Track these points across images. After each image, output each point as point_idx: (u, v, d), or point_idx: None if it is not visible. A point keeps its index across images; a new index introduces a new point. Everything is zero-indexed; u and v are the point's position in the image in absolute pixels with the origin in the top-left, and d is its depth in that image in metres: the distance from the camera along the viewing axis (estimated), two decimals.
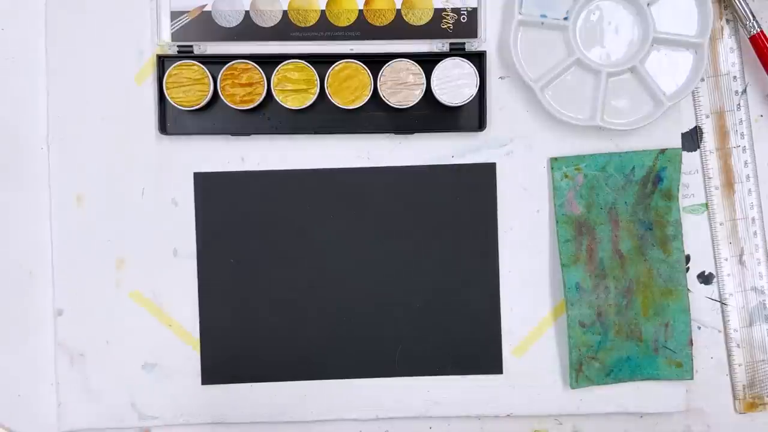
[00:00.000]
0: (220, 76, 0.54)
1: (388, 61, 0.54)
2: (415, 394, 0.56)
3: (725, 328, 0.57)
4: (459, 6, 0.55)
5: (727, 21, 0.57)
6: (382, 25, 0.55)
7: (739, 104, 0.57)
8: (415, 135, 0.56)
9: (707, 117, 0.57)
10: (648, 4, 0.54)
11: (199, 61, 0.54)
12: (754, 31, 0.55)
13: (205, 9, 0.55)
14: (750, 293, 0.57)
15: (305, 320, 0.56)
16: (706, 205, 0.57)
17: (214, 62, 0.55)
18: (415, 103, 0.54)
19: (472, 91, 0.54)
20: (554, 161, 0.56)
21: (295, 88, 0.54)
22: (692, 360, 0.56)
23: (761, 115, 0.58)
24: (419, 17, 0.55)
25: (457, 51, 0.55)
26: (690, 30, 0.55)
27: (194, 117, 0.56)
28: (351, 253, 0.56)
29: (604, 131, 0.56)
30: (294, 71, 0.54)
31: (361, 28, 0.55)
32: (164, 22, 0.55)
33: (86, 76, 0.56)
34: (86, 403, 0.56)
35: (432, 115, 0.56)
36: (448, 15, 0.55)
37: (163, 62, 0.55)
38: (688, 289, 0.56)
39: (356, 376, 0.56)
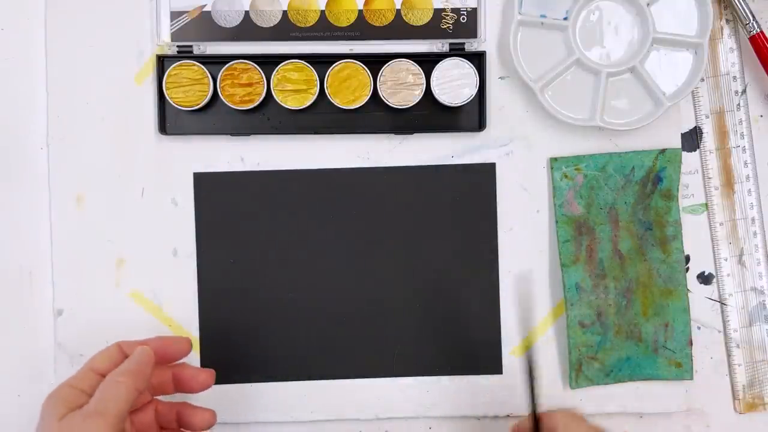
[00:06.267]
0: (219, 76, 0.54)
1: (387, 61, 0.54)
2: (415, 394, 0.56)
3: (725, 328, 0.57)
4: (459, 6, 0.55)
5: (727, 21, 0.57)
6: (381, 25, 0.55)
7: (738, 104, 0.57)
8: (415, 135, 0.56)
9: (707, 117, 0.57)
10: (648, 4, 0.54)
11: (198, 61, 0.54)
12: (754, 32, 0.55)
13: (205, 9, 0.55)
14: (750, 293, 0.57)
15: (305, 320, 0.56)
16: (706, 205, 0.57)
17: (214, 62, 0.55)
18: (414, 103, 0.54)
19: (471, 91, 0.54)
20: (554, 161, 0.56)
21: (294, 89, 0.54)
22: (692, 360, 0.56)
23: (761, 115, 0.58)
24: (419, 17, 0.55)
25: (456, 51, 0.55)
26: (690, 30, 0.55)
27: (194, 117, 0.56)
28: (351, 253, 0.56)
29: (603, 131, 0.56)
30: (294, 71, 0.54)
31: (361, 28, 0.55)
32: (164, 22, 0.55)
33: (86, 76, 0.56)
34: None
35: (432, 115, 0.56)
36: (447, 15, 0.55)
37: (162, 62, 0.55)
38: (688, 289, 0.56)
39: (356, 376, 0.56)
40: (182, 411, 0.48)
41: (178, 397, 0.50)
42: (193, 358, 0.56)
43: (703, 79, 0.57)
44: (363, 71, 0.54)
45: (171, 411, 0.49)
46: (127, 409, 0.42)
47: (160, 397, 0.49)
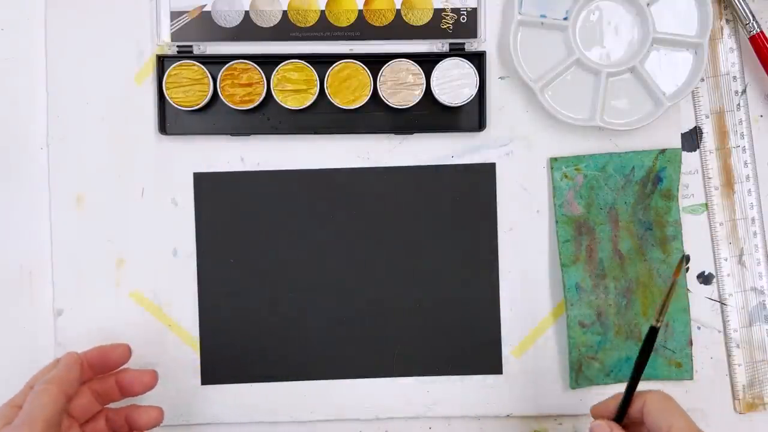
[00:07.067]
0: (219, 76, 0.54)
1: (387, 61, 0.54)
2: (415, 394, 0.56)
3: (725, 328, 0.57)
4: (459, 6, 0.55)
5: (727, 21, 0.57)
6: (381, 25, 0.55)
7: (738, 104, 0.57)
8: (415, 135, 0.56)
9: (707, 117, 0.57)
10: (648, 4, 0.54)
11: (198, 61, 0.54)
12: (754, 32, 0.55)
13: (205, 9, 0.55)
14: (750, 293, 0.57)
15: (305, 320, 0.56)
16: (706, 205, 0.57)
17: (214, 62, 0.55)
18: (414, 103, 0.54)
19: (471, 91, 0.54)
20: (554, 161, 0.56)
21: (294, 89, 0.54)
22: (692, 360, 0.56)
23: (761, 115, 0.58)
24: (419, 17, 0.55)
25: (456, 51, 0.55)
26: (690, 30, 0.55)
27: (194, 117, 0.56)
28: (351, 253, 0.56)
29: (603, 131, 0.56)
30: (294, 71, 0.54)
31: (361, 28, 0.55)
32: (164, 22, 0.55)
33: (86, 76, 0.56)
34: None
35: (432, 115, 0.56)
36: (447, 15, 0.55)
37: (162, 62, 0.55)
38: (688, 289, 0.56)
39: (356, 376, 0.56)
40: (130, 413, 0.50)
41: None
42: (193, 357, 0.56)
43: (703, 79, 0.57)
44: (363, 71, 0.54)
45: (120, 416, 0.50)
46: (55, 415, 0.42)
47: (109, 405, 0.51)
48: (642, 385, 0.56)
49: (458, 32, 0.55)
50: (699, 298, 0.57)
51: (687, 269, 0.57)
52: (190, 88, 0.54)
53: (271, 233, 0.56)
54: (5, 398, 0.56)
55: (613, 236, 0.56)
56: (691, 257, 0.57)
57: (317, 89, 0.54)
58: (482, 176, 0.56)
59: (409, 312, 0.56)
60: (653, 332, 0.45)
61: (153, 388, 0.50)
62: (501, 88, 0.56)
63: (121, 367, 0.51)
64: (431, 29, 0.55)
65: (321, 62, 0.54)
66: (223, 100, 0.54)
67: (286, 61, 0.54)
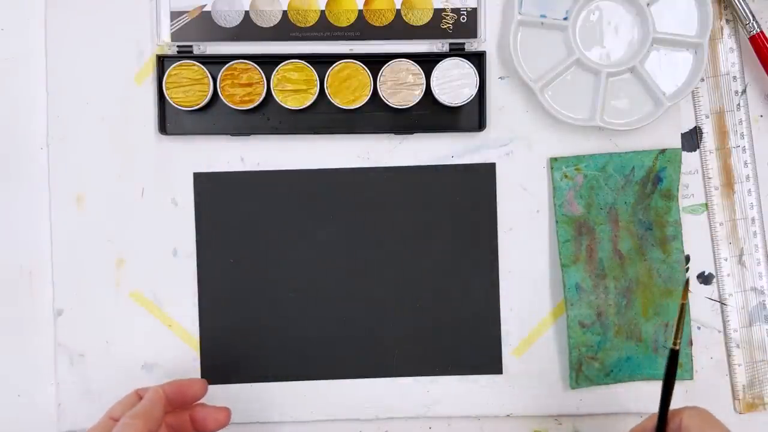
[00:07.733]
0: (219, 76, 0.54)
1: (387, 61, 0.54)
2: (415, 394, 0.56)
3: (725, 328, 0.57)
4: (459, 6, 0.55)
5: (727, 21, 0.57)
6: (381, 25, 0.55)
7: (738, 104, 0.57)
8: (415, 135, 0.56)
9: (707, 117, 0.57)
10: (648, 4, 0.54)
11: (198, 61, 0.54)
12: (754, 32, 0.55)
13: (205, 9, 0.55)
14: (750, 293, 0.57)
15: (305, 320, 0.56)
16: (706, 206, 0.57)
17: (214, 62, 0.55)
18: (414, 103, 0.54)
19: (471, 91, 0.54)
20: (554, 161, 0.56)
21: (294, 89, 0.54)
22: (692, 360, 0.56)
23: (761, 115, 0.58)
24: (419, 17, 0.55)
25: (456, 51, 0.55)
26: (690, 30, 0.55)
27: (194, 117, 0.56)
28: (351, 253, 0.56)
29: (604, 131, 0.56)
30: (294, 71, 0.54)
31: (361, 28, 0.55)
32: (164, 22, 0.55)
33: (86, 76, 0.56)
34: (86, 403, 0.56)
35: (432, 115, 0.56)
36: (447, 15, 0.55)
37: (162, 62, 0.55)
38: (689, 290, 0.56)
39: (356, 376, 0.56)
40: None
41: None
42: (193, 357, 0.56)
43: (703, 79, 0.57)
44: (363, 71, 0.54)
45: None
46: None
47: None
48: (643, 386, 0.56)
49: (458, 32, 0.55)
50: (699, 298, 0.57)
51: (687, 269, 0.57)
52: (190, 88, 0.54)
53: (271, 233, 0.56)
54: (4, 398, 0.56)
55: (613, 236, 0.56)
56: (691, 257, 0.57)
57: (317, 89, 0.54)
58: (482, 176, 0.56)
59: (409, 312, 0.56)
60: (674, 354, 0.46)
61: (226, 426, 0.50)
62: (501, 88, 0.56)
63: (197, 402, 0.50)
64: (431, 29, 0.55)
65: (321, 62, 0.54)
66: (223, 100, 0.54)
67: (286, 61, 0.54)
